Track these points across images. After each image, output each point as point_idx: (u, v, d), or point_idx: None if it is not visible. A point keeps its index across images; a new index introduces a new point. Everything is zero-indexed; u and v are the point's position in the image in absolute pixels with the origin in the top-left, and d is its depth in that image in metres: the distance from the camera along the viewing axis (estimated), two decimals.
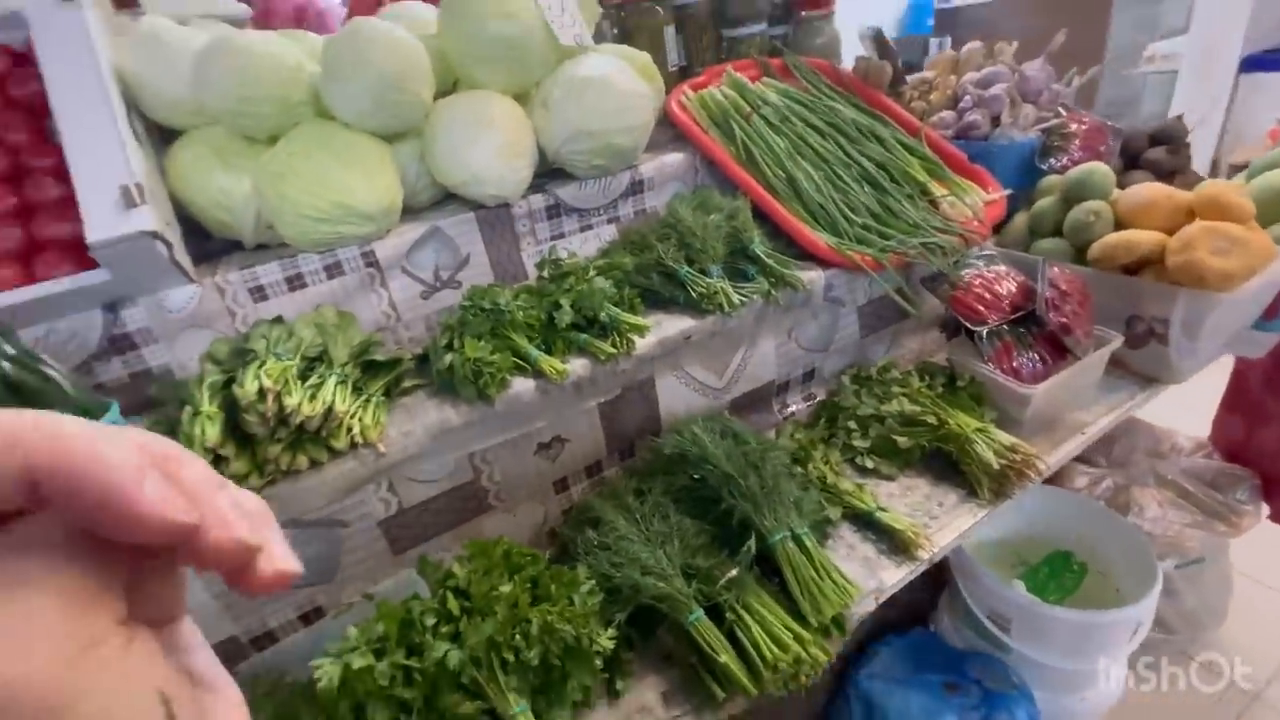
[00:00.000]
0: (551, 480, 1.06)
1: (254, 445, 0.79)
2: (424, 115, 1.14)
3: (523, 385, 0.95)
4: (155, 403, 0.87)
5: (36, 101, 1.03)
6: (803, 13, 1.61)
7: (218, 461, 0.76)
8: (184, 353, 1.01)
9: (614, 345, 0.99)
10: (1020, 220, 1.37)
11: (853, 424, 1.15)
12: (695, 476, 0.96)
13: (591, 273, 1.07)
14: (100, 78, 0.99)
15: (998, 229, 1.39)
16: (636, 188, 1.30)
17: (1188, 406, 1.88)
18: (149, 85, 1.06)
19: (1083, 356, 1.08)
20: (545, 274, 1.14)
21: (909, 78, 1.62)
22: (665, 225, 1.18)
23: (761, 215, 1.24)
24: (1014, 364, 1.10)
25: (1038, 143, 1.44)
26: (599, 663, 0.80)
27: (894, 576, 0.93)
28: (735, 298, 1.07)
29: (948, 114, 1.47)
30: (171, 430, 0.79)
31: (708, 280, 1.08)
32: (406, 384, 1.00)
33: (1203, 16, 3.53)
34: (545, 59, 1.18)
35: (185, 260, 1.00)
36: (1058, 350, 1.11)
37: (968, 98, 1.44)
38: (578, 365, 0.98)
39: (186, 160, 1.08)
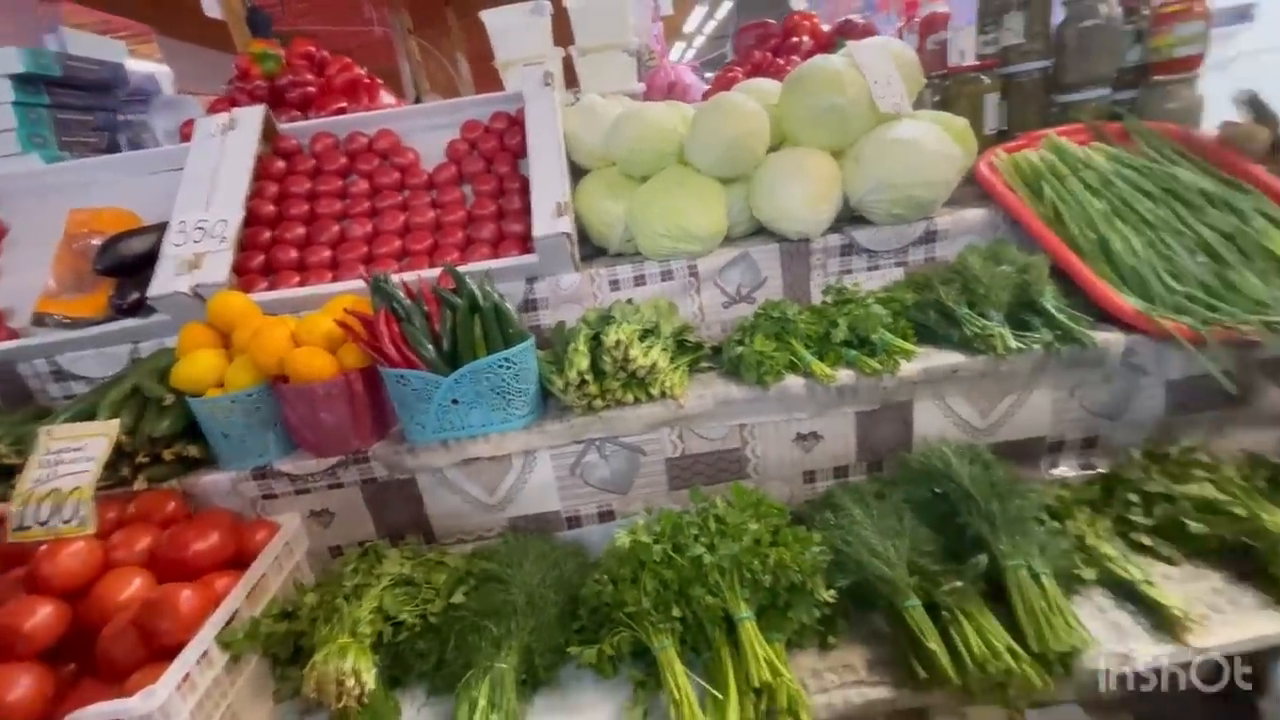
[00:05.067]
0: (802, 470, 1.23)
1: (603, 379, 1.14)
2: (755, 166, 1.44)
3: (793, 381, 1.16)
4: (548, 343, 1.30)
5: (517, 147, 1.61)
6: (1156, 76, 1.53)
7: (582, 385, 1.13)
8: (562, 317, 1.45)
9: (880, 363, 1.13)
10: None
11: (1134, 497, 1.08)
12: (937, 491, 1.04)
13: (870, 301, 1.23)
14: (556, 133, 1.51)
15: None
16: (929, 237, 1.41)
17: None
18: (580, 138, 1.56)
19: None
20: (829, 299, 1.33)
21: None
22: (952, 271, 1.28)
23: (1060, 274, 1.25)
24: None
25: None
26: (816, 613, 0.95)
27: (1149, 652, 0.88)
28: (1012, 343, 1.12)
29: None
30: (557, 359, 1.19)
31: (984, 322, 1.15)
32: (703, 365, 1.28)
33: None
34: (864, 123, 1.39)
35: (576, 256, 1.45)
36: None
37: None
38: (844, 375, 1.15)
39: (588, 190, 1.55)
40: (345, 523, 1.24)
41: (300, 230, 1.52)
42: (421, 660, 1.01)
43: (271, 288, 1.42)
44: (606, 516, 1.25)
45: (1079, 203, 1.29)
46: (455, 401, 1.12)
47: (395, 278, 1.21)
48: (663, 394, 1.15)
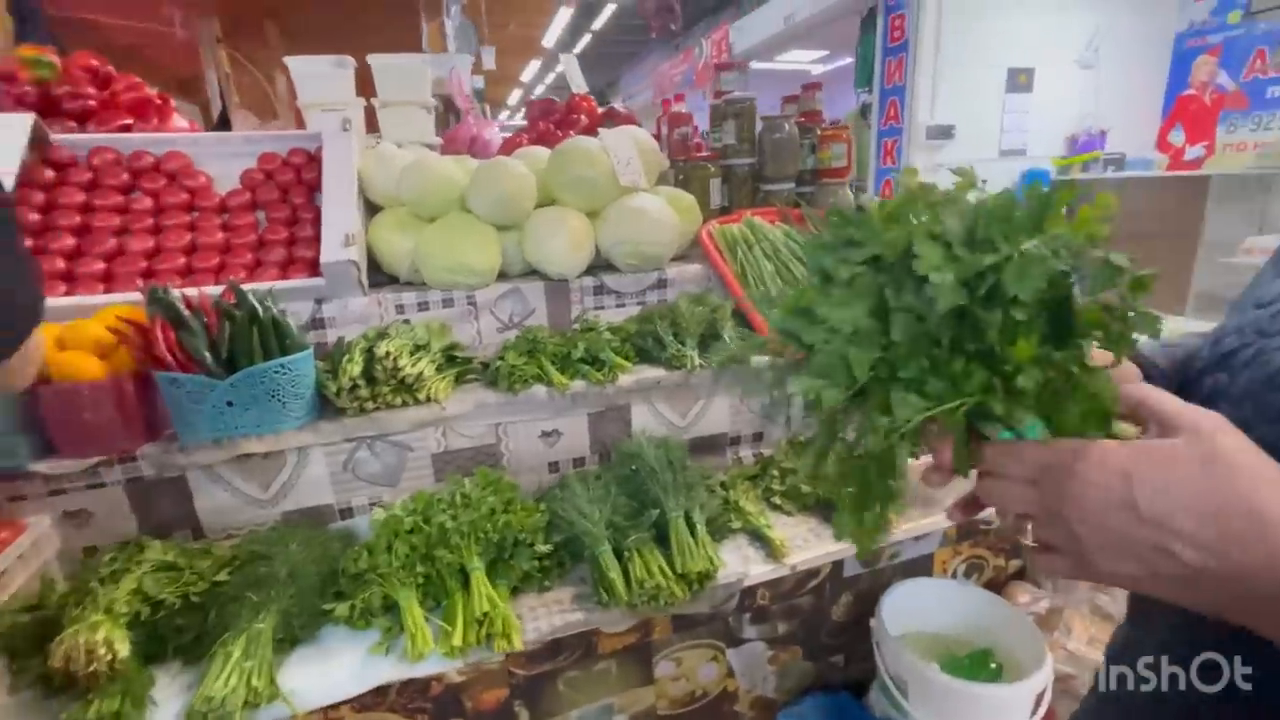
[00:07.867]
0: (547, 461, 1.52)
1: (375, 385, 1.35)
2: (525, 218, 1.76)
3: (539, 388, 1.46)
4: (329, 356, 1.47)
5: (314, 181, 1.77)
6: (822, 179, 2.14)
7: (354, 389, 1.32)
8: (350, 334, 1.62)
9: (603, 375, 1.47)
10: None
11: (775, 472, 1.52)
12: (634, 469, 1.39)
13: (604, 329, 1.58)
14: (351, 172, 1.71)
15: None
16: (660, 284, 1.82)
17: None
18: (374, 180, 1.77)
19: None
20: (578, 327, 1.66)
21: None
22: (668, 309, 1.68)
23: (741, 315, 1.71)
24: None
25: None
26: (536, 563, 1.23)
27: (759, 570, 1.28)
28: (697, 361, 1.53)
29: None
30: (334, 368, 1.37)
31: (680, 347, 1.55)
32: (470, 377, 1.54)
33: None
34: (610, 192, 1.78)
35: (365, 283, 1.64)
36: None
37: None
38: (578, 385, 1.48)
39: (380, 225, 1.76)
40: (105, 522, 1.28)
41: (69, 241, 1.53)
42: (179, 635, 1.11)
43: None
44: (378, 505, 1.43)
45: (757, 264, 1.79)
46: (230, 404, 1.25)
47: (176, 291, 1.32)
48: (428, 399, 1.38)
